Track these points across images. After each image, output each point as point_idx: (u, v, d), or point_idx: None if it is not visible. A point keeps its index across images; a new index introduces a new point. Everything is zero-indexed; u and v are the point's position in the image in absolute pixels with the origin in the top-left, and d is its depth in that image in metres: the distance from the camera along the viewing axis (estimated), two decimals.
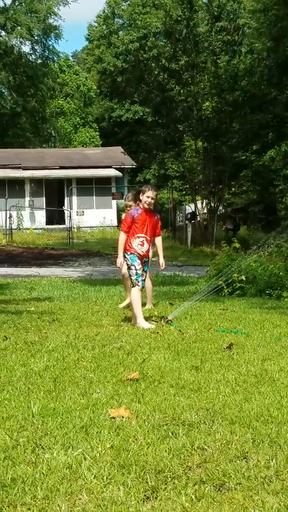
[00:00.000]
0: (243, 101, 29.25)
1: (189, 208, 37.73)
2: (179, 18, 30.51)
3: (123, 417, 4.15)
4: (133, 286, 8.54)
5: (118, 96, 58.78)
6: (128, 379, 5.16)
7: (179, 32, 30.53)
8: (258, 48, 28.40)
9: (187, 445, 3.64)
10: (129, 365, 5.73)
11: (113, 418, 4.15)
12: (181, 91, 31.14)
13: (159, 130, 32.39)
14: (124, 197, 10.28)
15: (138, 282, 8.55)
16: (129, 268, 8.68)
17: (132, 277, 8.61)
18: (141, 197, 8.75)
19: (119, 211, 43.36)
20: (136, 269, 8.54)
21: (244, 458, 3.47)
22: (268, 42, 26.89)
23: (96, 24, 67.96)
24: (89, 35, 69.21)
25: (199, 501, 2.94)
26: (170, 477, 3.20)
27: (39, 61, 53.29)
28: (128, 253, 8.61)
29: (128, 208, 9.72)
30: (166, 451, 3.54)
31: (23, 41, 50.47)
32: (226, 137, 29.91)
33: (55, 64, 58.77)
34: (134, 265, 8.56)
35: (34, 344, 6.77)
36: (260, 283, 12.59)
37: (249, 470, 3.28)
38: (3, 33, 49.76)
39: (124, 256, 8.65)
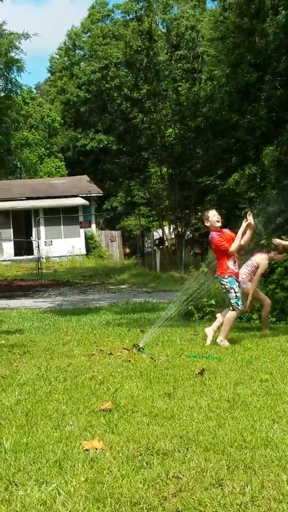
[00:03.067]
0: (205, 127, 29.62)
1: (157, 234, 37.87)
2: (139, 49, 30.94)
3: (96, 449, 4.12)
4: (233, 310, 8.74)
5: (82, 126, 59.09)
6: (101, 410, 5.12)
7: (140, 61, 30.94)
8: (218, 75, 28.82)
9: (162, 474, 3.62)
10: (102, 395, 5.69)
11: (87, 450, 4.11)
12: (144, 119, 31.46)
13: (124, 158, 32.63)
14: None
15: (238, 306, 8.71)
16: (228, 292, 8.72)
17: (232, 300, 8.68)
18: (207, 224, 8.89)
19: (87, 239, 43.39)
20: (235, 292, 8.64)
21: (219, 486, 3.46)
22: (226, 69, 27.29)
23: (57, 56, 68.38)
24: (51, 67, 69.57)
25: None
26: (145, 508, 3.18)
27: (2, 94, 53.33)
28: (226, 276, 8.66)
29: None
30: (141, 482, 3.52)
31: None
32: (190, 162, 30.22)
33: (18, 96, 58.85)
34: (233, 288, 8.66)
35: (5, 378, 6.69)
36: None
37: (224, 497, 3.27)
38: None
39: (221, 283, 8.78)
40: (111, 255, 43.52)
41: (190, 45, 31.95)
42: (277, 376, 6.36)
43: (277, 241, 10.36)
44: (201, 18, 38.44)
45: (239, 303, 8.75)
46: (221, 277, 8.74)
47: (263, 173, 29.30)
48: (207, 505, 3.18)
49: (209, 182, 31.42)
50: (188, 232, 34.06)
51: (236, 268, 8.83)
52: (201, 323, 12.06)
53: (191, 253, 32.27)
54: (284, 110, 24.90)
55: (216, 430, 4.47)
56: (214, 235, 8.82)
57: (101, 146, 55.56)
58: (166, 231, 33.62)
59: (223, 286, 8.83)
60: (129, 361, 7.56)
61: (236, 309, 8.76)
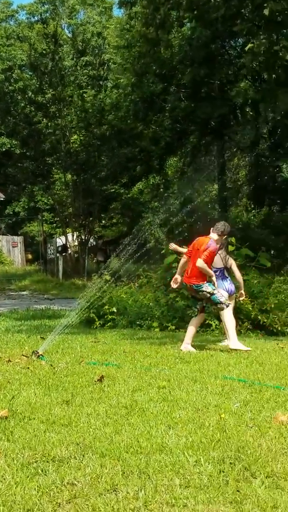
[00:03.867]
0: (111, 135, 29.77)
1: (60, 240, 37.68)
2: (44, 52, 30.73)
3: None
4: (224, 308, 9.26)
5: None
6: None
7: (45, 65, 30.73)
8: (123, 83, 29.05)
9: (57, 481, 3.61)
10: None
11: None
12: (49, 124, 31.23)
13: (27, 162, 32.30)
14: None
15: (224, 303, 9.23)
16: (212, 295, 9.14)
17: (219, 300, 9.19)
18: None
19: None
20: (217, 291, 9.26)
21: (114, 491, 3.48)
22: (132, 77, 27.55)
23: None
24: None
25: None
26: None
27: None
28: (205, 282, 9.21)
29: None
30: (35, 489, 3.50)
31: None
32: (94, 170, 30.27)
33: None
34: (214, 289, 9.22)
35: None
36: (130, 314, 12.75)
37: (118, 502, 3.29)
38: None
39: (200, 290, 9.23)
40: (13, 261, 42.85)
41: (96, 51, 31.97)
42: (174, 383, 6.47)
43: (172, 246, 10.56)
44: (107, 25, 38.59)
45: (223, 300, 9.07)
46: (200, 285, 9.03)
47: (166, 183, 29.74)
48: (101, 510, 3.20)
49: (113, 190, 31.58)
50: (91, 240, 34.07)
51: None
52: (101, 331, 12.10)
53: (94, 261, 32.29)
54: (188, 122, 25.39)
55: (112, 436, 4.50)
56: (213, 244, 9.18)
57: (3, 149, 54.73)
58: (69, 238, 33.50)
59: (205, 293, 9.07)
60: (28, 368, 7.49)
61: (226, 306, 9.04)
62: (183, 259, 9.59)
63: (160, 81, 27.04)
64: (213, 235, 9.30)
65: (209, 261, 9.07)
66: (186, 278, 9.31)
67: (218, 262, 9.65)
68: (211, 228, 9.47)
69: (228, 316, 9.53)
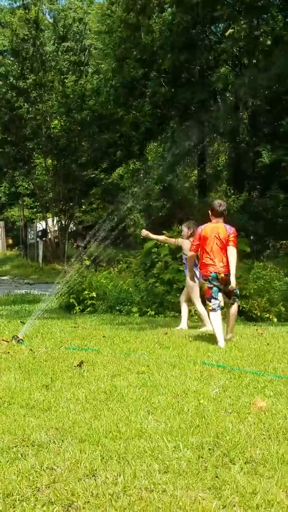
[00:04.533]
0: (91, 120, 29.67)
1: (40, 225, 37.57)
2: (25, 37, 30.48)
3: None
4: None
5: None
6: None
7: (26, 50, 30.50)
8: (104, 68, 28.91)
9: (36, 466, 3.62)
10: None
11: None
12: (30, 109, 31.06)
13: (8, 147, 32.11)
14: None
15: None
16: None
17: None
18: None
19: None
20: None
21: (93, 476, 3.50)
22: (113, 63, 27.43)
23: None
24: None
25: None
26: (18, 499, 3.17)
27: None
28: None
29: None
30: (14, 473, 3.50)
31: None
32: (75, 155, 30.17)
33: None
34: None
35: None
36: (110, 299, 12.77)
37: (97, 487, 3.31)
38: None
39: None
40: None
41: (77, 37, 31.73)
42: (154, 368, 6.49)
43: (144, 232, 10.55)
44: (88, 11, 38.28)
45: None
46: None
47: (146, 169, 29.71)
48: (79, 495, 3.22)
49: (93, 175, 31.51)
50: (71, 225, 33.99)
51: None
52: (81, 316, 12.11)
53: (73, 246, 32.25)
54: (168, 107, 25.35)
55: (92, 421, 4.51)
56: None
57: None
58: (49, 223, 33.41)
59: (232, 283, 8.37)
60: (8, 352, 7.48)
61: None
62: (191, 253, 8.86)
63: (141, 66, 26.96)
64: (220, 219, 8.66)
65: None
66: (223, 268, 8.34)
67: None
68: (215, 211, 8.64)
69: (201, 304, 9.80)
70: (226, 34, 16.68)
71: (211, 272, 8.31)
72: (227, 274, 8.30)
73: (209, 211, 8.71)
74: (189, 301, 10.32)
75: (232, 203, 24.98)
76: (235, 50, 21.29)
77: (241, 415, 4.68)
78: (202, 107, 25.87)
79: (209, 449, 3.93)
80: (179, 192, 27.90)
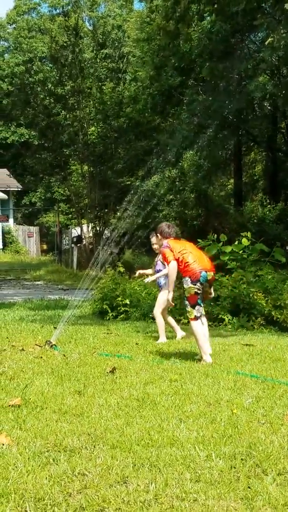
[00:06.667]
0: (128, 127, 29.76)
1: (75, 231, 37.76)
2: (64, 44, 30.72)
3: (3, 444, 4.09)
4: None
5: (3, 119, 58.15)
6: (9, 405, 5.08)
7: (65, 57, 30.73)
8: (142, 76, 29.00)
9: (68, 471, 3.63)
10: (11, 391, 5.65)
11: None
12: (67, 116, 31.28)
13: (45, 153, 32.36)
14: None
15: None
16: None
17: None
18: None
19: (4, 233, 42.81)
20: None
21: (124, 483, 3.49)
22: (151, 70, 27.49)
23: None
24: None
25: None
26: (50, 504, 3.18)
27: None
28: None
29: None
30: (46, 478, 3.52)
31: None
32: (111, 162, 30.27)
33: None
34: None
35: None
36: (144, 306, 12.76)
37: (128, 494, 3.31)
38: None
39: None
40: (28, 250, 43.08)
41: (116, 44, 31.90)
42: (186, 377, 6.47)
43: (139, 272, 10.67)
44: (128, 18, 38.50)
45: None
46: None
47: (182, 177, 29.70)
48: (111, 501, 3.22)
49: (129, 182, 31.57)
50: (106, 231, 34.09)
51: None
52: (114, 322, 12.12)
53: (108, 252, 32.32)
54: (205, 115, 25.29)
55: (124, 428, 4.51)
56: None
57: (22, 140, 54.88)
58: (84, 229, 33.56)
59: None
60: (41, 357, 7.53)
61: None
62: (174, 270, 7.79)
63: (179, 74, 26.97)
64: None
65: None
66: (211, 267, 7.87)
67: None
68: (164, 233, 8.25)
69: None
70: (266, 43, 16.58)
71: (201, 271, 7.61)
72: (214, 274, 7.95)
73: (162, 235, 8.27)
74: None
75: (268, 212, 24.85)
76: (274, 59, 21.16)
77: (274, 426, 4.63)
78: (239, 115, 25.80)
79: (241, 459, 3.90)
80: (214, 201, 27.82)
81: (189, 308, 7.64)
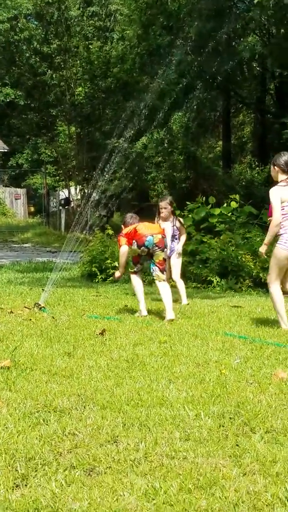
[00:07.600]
0: (116, 88, 29.41)
1: (63, 194, 37.58)
2: (50, 1, 30.16)
3: None
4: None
5: None
6: None
7: (51, 14, 30.18)
8: (130, 35, 28.54)
9: (58, 431, 3.65)
10: (0, 353, 5.66)
11: None
12: (54, 75, 30.85)
13: (31, 114, 32.03)
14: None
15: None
16: None
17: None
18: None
19: None
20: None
21: (114, 442, 3.52)
22: (138, 29, 27.04)
23: None
24: None
25: (69, 486, 2.96)
26: (40, 463, 3.21)
27: None
28: None
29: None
30: (37, 438, 3.54)
31: None
32: (99, 123, 30.00)
33: None
34: None
35: None
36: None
37: (118, 453, 3.33)
38: None
39: None
40: (15, 213, 42.82)
41: (103, 2, 31.35)
42: (175, 338, 6.51)
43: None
44: None
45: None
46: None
47: (171, 139, 29.48)
48: (101, 460, 3.25)
49: (117, 144, 31.31)
50: (94, 194, 33.95)
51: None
52: (103, 285, 12.15)
53: (96, 215, 32.23)
54: (194, 76, 25.02)
55: (113, 389, 4.53)
56: None
57: (8, 100, 54.19)
58: (72, 192, 33.40)
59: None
60: (30, 319, 7.55)
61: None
62: (124, 254, 8.47)
63: (167, 33, 26.56)
64: None
65: None
66: (160, 231, 8.48)
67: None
68: (126, 223, 8.82)
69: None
70: (255, 1, 16.36)
71: (146, 236, 8.26)
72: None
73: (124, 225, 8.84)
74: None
75: (256, 175, 24.79)
76: (263, 18, 20.90)
77: (262, 385, 4.67)
78: (228, 76, 25.53)
79: (230, 418, 3.94)
80: (203, 163, 27.70)
81: (131, 264, 8.65)
